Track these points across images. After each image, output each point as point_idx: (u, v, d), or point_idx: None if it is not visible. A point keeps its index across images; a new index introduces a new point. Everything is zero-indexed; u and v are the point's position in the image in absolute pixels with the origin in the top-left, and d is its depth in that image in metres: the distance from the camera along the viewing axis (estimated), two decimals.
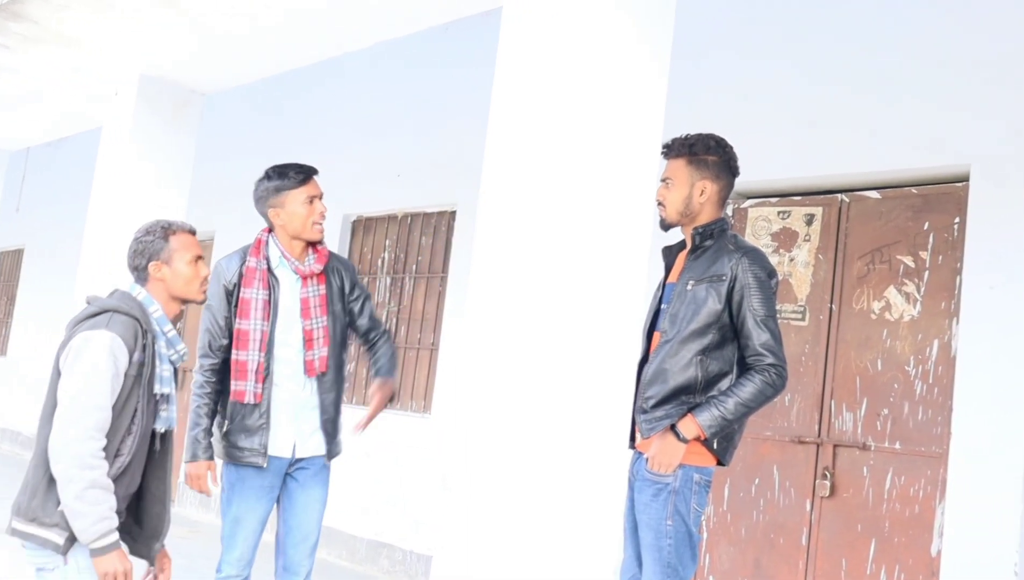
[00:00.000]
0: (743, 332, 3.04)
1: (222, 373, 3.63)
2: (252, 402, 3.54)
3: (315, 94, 7.92)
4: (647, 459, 3.06)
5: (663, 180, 3.22)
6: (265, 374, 3.57)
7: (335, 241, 7.31)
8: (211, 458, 3.62)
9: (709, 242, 3.17)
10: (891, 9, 4.61)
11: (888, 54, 4.56)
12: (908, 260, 4.45)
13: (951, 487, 4.09)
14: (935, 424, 4.25)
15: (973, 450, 4.04)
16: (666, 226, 3.26)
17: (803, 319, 4.75)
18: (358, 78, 7.53)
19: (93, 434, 2.63)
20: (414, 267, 6.97)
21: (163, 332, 2.87)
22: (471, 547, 2.73)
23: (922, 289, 4.39)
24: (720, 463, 3.11)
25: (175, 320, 2.95)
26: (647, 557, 3.06)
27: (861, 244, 4.61)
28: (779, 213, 4.91)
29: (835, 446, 4.54)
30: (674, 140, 3.22)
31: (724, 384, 3.05)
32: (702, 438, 3.01)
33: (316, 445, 3.67)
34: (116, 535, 2.65)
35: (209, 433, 3.61)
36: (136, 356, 2.74)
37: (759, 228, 4.96)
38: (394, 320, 7.03)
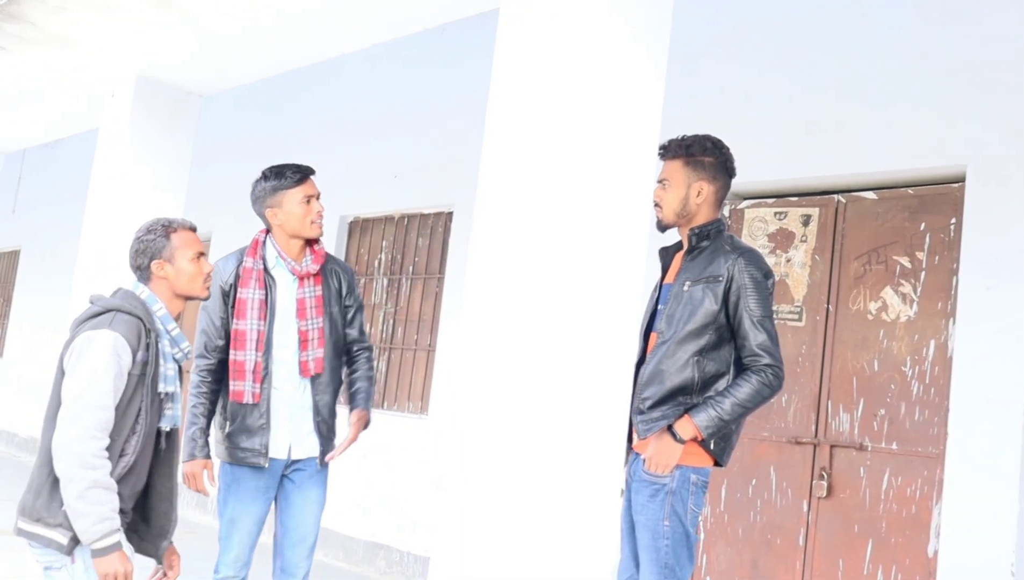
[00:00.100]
0: (739, 333, 3.05)
1: (219, 373, 3.64)
2: (251, 402, 3.55)
3: (312, 95, 7.92)
4: (644, 460, 3.07)
5: (660, 181, 3.23)
6: (263, 374, 3.57)
7: (332, 242, 7.31)
8: (208, 457, 3.63)
9: (706, 243, 3.18)
10: (888, 12, 4.61)
11: (884, 56, 4.57)
12: (904, 261, 4.45)
13: (948, 487, 4.10)
14: (931, 425, 4.26)
15: (969, 450, 4.05)
16: (663, 227, 3.26)
17: (800, 320, 4.75)
18: (354, 79, 7.53)
19: (96, 433, 2.63)
20: (411, 268, 6.97)
21: (167, 330, 2.87)
22: (468, 548, 2.73)
23: (918, 290, 4.39)
24: (717, 464, 3.11)
25: (176, 318, 2.95)
26: (644, 558, 3.06)
27: (857, 245, 4.62)
28: (776, 214, 4.92)
29: (832, 447, 4.54)
30: (671, 141, 3.23)
31: (721, 385, 3.06)
32: (699, 439, 3.02)
33: (311, 446, 3.67)
34: (118, 536, 2.65)
35: (206, 432, 3.62)
36: (140, 355, 2.74)
37: (755, 229, 4.96)
38: (391, 321, 7.03)
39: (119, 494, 2.71)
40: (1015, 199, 4.07)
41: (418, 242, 6.96)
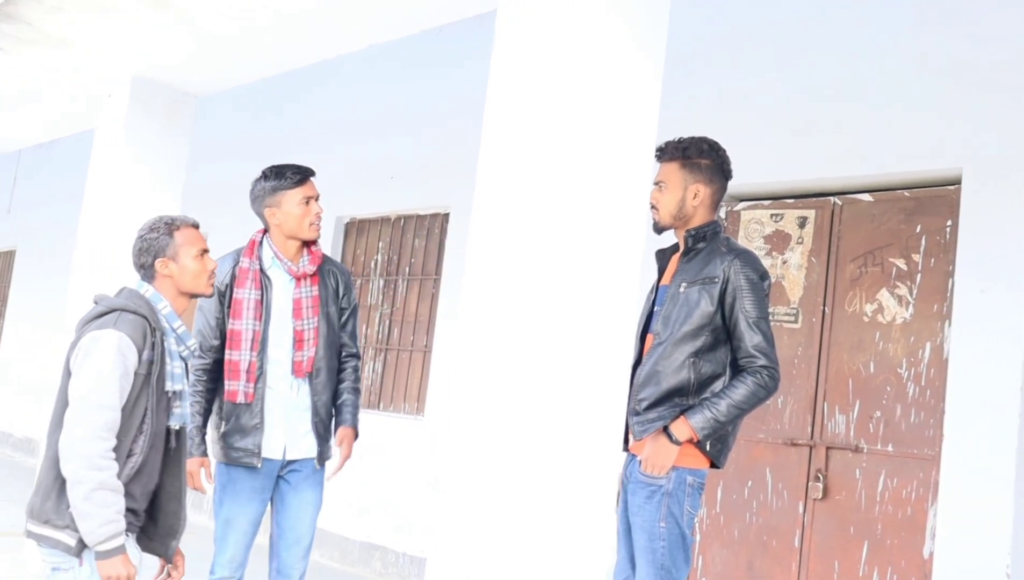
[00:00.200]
0: (735, 334, 3.05)
1: (215, 373, 3.64)
2: (244, 402, 3.55)
3: (309, 96, 7.92)
4: (640, 461, 3.07)
5: (656, 183, 3.23)
6: (258, 374, 3.57)
7: (328, 243, 7.30)
8: (204, 455, 3.63)
9: (702, 245, 3.18)
10: (884, 14, 4.62)
11: (881, 58, 4.58)
12: (900, 263, 4.46)
13: (943, 489, 4.10)
14: (927, 426, 4.26)
15: (965, 452, 4.05)
16: (659, 229, 3.27)
17: (796, 321, 4.76)
18: (351, 80, 7.53)
19: (102, 434, 2.62)
20: (407, 269, 6.97)
21: (173, 329, 2.86)
22: (464, 549, 2.73)
23: (914, 292, 4.40)
24: (714, 466, 3.11)
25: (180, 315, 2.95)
26: (640, 559, 3.06)
27: (854, 247, 4.62)
28: (772, 216, 4.92)
29: (828, 448, 4.55)
30: (667, 143, 3.23)
31: (717, 386, 3.06)
32: (695, 440, 3.02)
33: (308, 447, 3.67)
34: (122, 539, 2.64)
35: (202, 430, 3.63)
36: (145, 354, 2.73)
37: (752, 231, 4.97)
38: (387, 322, 7.03)
39: (131, 494, 2.70)
40: (1011, 202, 4.08)
41: (414, 243, 6.96)
